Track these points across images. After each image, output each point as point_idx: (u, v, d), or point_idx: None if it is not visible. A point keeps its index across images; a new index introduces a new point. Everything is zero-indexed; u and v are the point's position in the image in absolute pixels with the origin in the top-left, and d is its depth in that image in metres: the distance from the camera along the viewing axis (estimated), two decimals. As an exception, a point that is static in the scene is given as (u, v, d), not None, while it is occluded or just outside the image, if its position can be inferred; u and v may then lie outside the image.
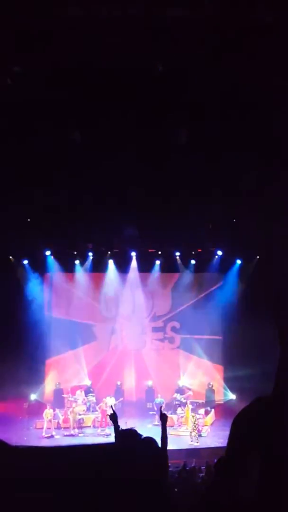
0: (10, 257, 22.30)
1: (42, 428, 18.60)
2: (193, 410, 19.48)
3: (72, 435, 18.69)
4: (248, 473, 1.84)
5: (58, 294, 23.49)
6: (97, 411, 19.82)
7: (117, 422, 5.94)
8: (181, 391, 21.53)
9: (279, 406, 1.89)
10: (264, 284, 18.53)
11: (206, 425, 19.16)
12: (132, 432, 2.26)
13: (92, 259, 23.07)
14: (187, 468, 12.32)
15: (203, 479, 10.88)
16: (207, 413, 19.84)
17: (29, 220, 19.74)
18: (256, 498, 1.79)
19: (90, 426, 19.49)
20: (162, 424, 5.48)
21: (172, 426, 19.07)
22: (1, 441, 1.98)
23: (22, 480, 1.80)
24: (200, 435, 18.52)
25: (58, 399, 21.10)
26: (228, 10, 11.35)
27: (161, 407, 9.16)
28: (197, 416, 18.67)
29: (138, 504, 1.80)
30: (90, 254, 22.97)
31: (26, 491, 1.77)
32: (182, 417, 19.55)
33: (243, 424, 1.96)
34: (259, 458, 1.82)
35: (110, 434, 18.38)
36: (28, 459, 1.91)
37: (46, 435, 18.36)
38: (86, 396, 20.97)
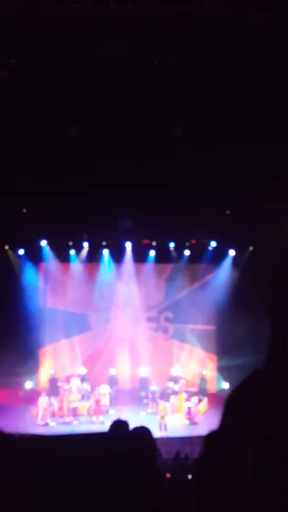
0: (6, 246, 22.39)
1: (37, 416, 18.79)
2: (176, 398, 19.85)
3: (66, 423, 18.92)
4: (242, 447, 1.94)
5: (53, 284, 23.62)
6: (91, 399, 20.01)
7: None
8: (174, 380, 21.74)
9: (273, 381, 1.97)
10: (257, 275, 18.71)
11: (199, 413, 19.39)
12: (123, 422, 2.36)
13: (87, 249, 23.19)
14: (180, 455, 12.56)
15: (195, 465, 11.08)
16: (200, 401, 20.07)
17: (25, 210, 19.84)
18: (251, 472, 1.83)
19: (84, 414, 19.69)
20: None
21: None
22: None
23: (19, 466, 1.89)
24: (194, 423, 18.82)
25: (53, 387, 21.25)
26: (225, 6, 11.46)
27: None
28: (166, 405, 18.91)
29: (130, 489, 1.89)
30: (85, 244, 23.09)
31: (23, 477, 1.85)
32: (175, 405, 19.79)
33: (238, 397, 2.01)
34: (254, 432, 1.87)
35: (104, 422, 18.62)
36: (24, 447, 2.00)
37: (41, 423, 18.56)
38: (81, 384, 21.14)
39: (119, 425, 2.13)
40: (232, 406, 2.01)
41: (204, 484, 2.00)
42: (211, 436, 2.07)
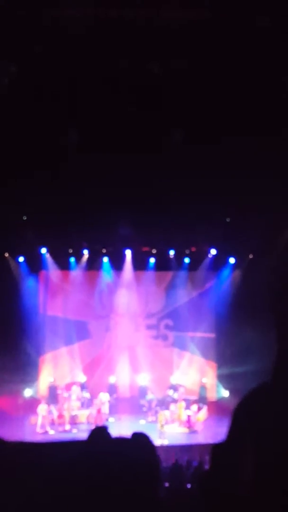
0: (6, 254, 22.40)
1: (37, 424, 18.72)
2: (175, 407, 19.81)
3: (66, 431, 18.84)
4: (246, 460, 1.92)
5: (53, 291, 23.62)
6: (91, 407, 19.92)
7: None
8: (174, 388, 21.69)
9: (280, 395, 1.95)
10: (257, 283, 18.70)
11: (198, 421, 19.33)
12: (102, 430, 2.31)
13: (87, 257, 23.19)
14: (179, 464, 12.49)
15: (194, 474, 11.04)
16: (199, 409, 20.00)
17: (25, 218, 19.85)
18: (252, 485, 1.85)
19: (84, 422, 19.60)
20: None
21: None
22: None
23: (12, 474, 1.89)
24: (193, 431, 18.75)
25: (53, 395, 21.20)
26: (225, 13, 11.48)
27: None
28: (165, 413, 18.87)
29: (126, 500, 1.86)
30: (85, 251, 23.09)
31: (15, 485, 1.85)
32: (175, 413, 19.73)
33: (246, 410, 2.01)
34: (255, 445, 1.88)
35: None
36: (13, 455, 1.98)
37: (41, 431, 18.49)
38: (80, 392, 21.09)
39: (99, 433, 2.09)
40: (239, 419, 1.99)
41: (210, 496, 1.98)
42: (218, 448, 2.05)
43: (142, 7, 11.41)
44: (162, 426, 17.84)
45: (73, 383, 21.87)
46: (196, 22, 11.64)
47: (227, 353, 21.99)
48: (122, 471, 1.90)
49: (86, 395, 20.92)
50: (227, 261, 22.94)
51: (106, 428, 2.09)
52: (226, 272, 23.10)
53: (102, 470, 1.89)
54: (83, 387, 21.61)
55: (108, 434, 2.06)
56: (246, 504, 1.87)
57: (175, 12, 11.55)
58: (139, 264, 23.26)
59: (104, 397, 20.09)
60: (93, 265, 23.29)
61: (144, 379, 22.50)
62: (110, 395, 20.72)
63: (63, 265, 23.19)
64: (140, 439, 2.04)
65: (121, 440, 2.07)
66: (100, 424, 18.74)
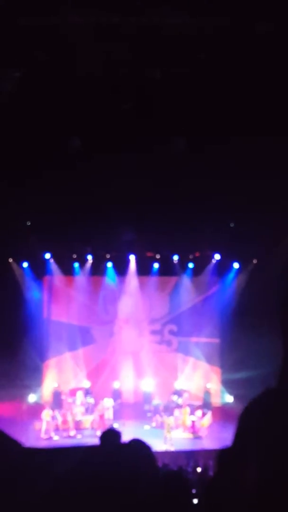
0: (10, 259, 22.42)
1: (41, 429, 18.69)
2: (182, 412, 19.76)
3: (70, 437, 18.81)
4: (251, 466, 1.91)
5: (57, 297, 23.60)
6: (95, 412, 19.89)
7: None
8: (178, 393, 21.63)
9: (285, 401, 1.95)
10: (261, 288, 18.67)
11: (203, 427, 19.27)
12: (114, 432, 2.29)
13: (91, 262, 23.20)
14: (184, 469, 12.46)
15: (199, 479, 11.00)
16: (204, 415, 19.93)
17: (28, 223, 19.87)
18: (256, 491, 1.84)
19: (88, 428, 19.57)
20: None
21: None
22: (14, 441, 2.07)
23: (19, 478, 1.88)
24: (198, 437, 18.70)
25: (57, 401, 21.18)
26: (227, 19, 11.49)
27: None
28: (170, 419, 18.83)
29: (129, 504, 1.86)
30: (89, 257, 23.10)
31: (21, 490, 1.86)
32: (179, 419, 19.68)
33: (251, 415, 2.00)
34: (261, 451, 1.87)
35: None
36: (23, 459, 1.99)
37: (45, 437, 18.46)
38: (84, 398, 21.06)
39: (110, 436, 2.08)
40: (245, 424, 1.99)
41: (215, 501, 1.98)
42: (224, 454, 2.04)
43: (144, 14, 11.44)
44: (169, 431, 17.81)
45: (77, 389, 21.84)
46: (199, 28, 11.67)
47: (231, 358, 21.91)
48: (118, 478, 1.90)
49: (90, 400, 20.88)
50: (231, 266, 22.92)
51: (118, 434, 2.08)
52: (230, 277, 23.06)
53: (99, 476, 1.89)
54: (87, 392, 21.58)
55: (116, 439, 2.05)
56: (250, 510, 1.87)
57: (178, 19, 11.57)
58: (143, 269, 23.25)
59: (108, 402, 20.06)
60: (97, 270, 23.29)
61: (148, 384, 22.45)
62: (114, 400, 20.68)
63: (67, 271, 23.20)
64: (138, 445, 2.03)
65: (119, 447, 2.06)
66: (103, 429, 18.71)
